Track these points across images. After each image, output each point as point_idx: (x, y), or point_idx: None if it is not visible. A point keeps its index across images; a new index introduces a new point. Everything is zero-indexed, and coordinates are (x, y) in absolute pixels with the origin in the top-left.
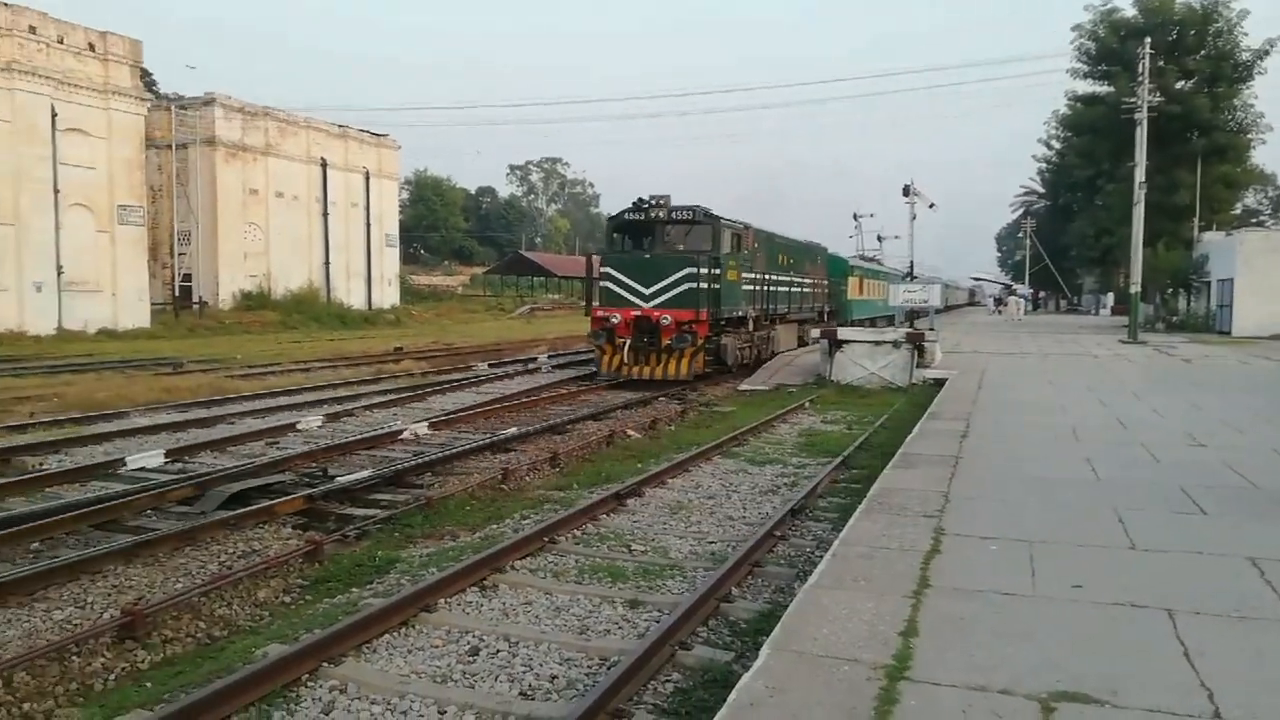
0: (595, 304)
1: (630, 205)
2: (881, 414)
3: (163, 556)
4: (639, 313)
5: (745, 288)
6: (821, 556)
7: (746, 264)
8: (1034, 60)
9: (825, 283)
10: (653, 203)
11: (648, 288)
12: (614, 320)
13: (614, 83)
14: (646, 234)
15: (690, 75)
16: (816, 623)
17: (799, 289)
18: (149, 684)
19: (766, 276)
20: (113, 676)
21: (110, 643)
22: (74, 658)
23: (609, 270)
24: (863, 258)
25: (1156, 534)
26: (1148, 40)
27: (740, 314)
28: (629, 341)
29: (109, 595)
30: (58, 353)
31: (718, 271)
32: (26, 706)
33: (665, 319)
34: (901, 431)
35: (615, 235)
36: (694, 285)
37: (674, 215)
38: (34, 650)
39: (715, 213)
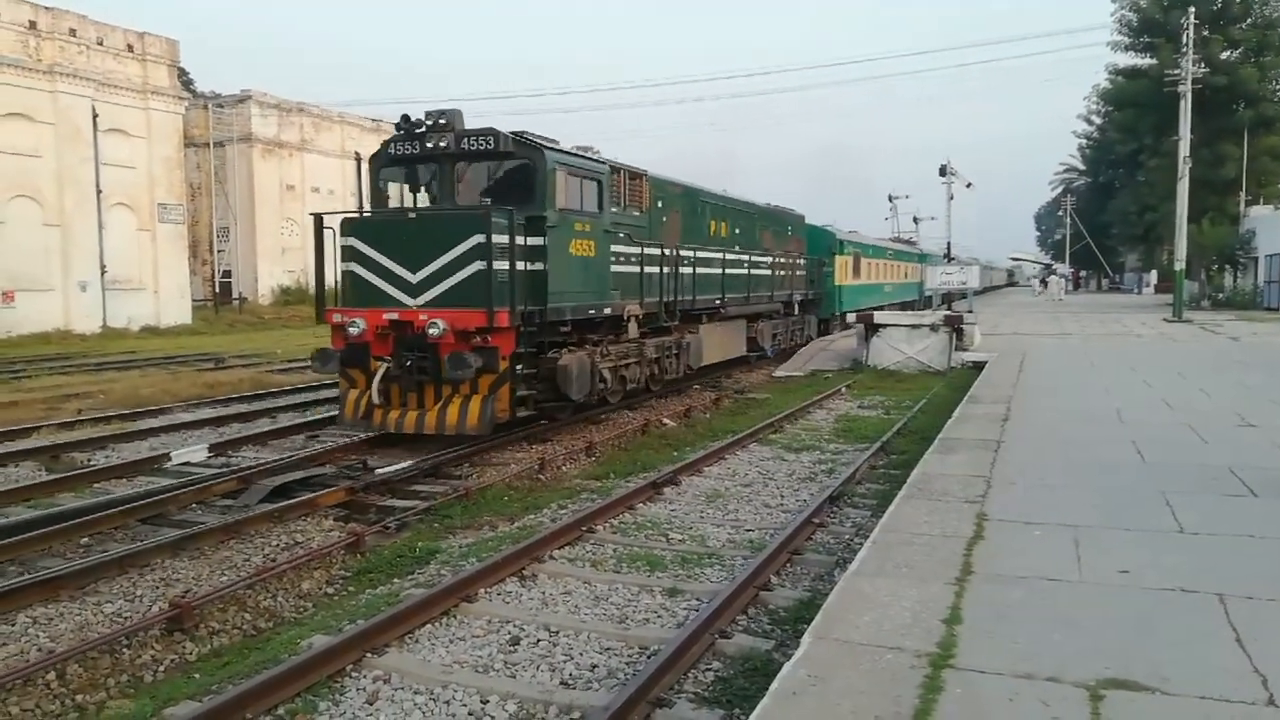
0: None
1: (396, 129)
2: (920, 398)
3: (208, 550)
4: (396, 316)
5: (621, 269)
6: (862, 544)
7: (628, 230)
8: (1072, 35)
9: (800, 263)
10: (431, 123)
11: (414, 272)
12: (355, 329)
13: (649, 66)
14: (429, 180)
15: (716, 59)
16: (858, 610)
17: (749, 271)
18: (197, 675)
19: (682, 253)
20: (162, 668)
21: (159, 635)
22: (124, 650)
23: (353, 244)
24: (897, 239)
25: (1206, 517)
26: (1191, 9)
27: (606, 312)
28: (385, 368)
29: (157, 588)
30: (103, 350)
31: (540, 241)
32: (80, 698)
33: (435, 326)
34: (941, 416)
35: (383, 184)
36: (487, 265)
37: (467, 145)
38: (86, 643)
39: (546, 140)
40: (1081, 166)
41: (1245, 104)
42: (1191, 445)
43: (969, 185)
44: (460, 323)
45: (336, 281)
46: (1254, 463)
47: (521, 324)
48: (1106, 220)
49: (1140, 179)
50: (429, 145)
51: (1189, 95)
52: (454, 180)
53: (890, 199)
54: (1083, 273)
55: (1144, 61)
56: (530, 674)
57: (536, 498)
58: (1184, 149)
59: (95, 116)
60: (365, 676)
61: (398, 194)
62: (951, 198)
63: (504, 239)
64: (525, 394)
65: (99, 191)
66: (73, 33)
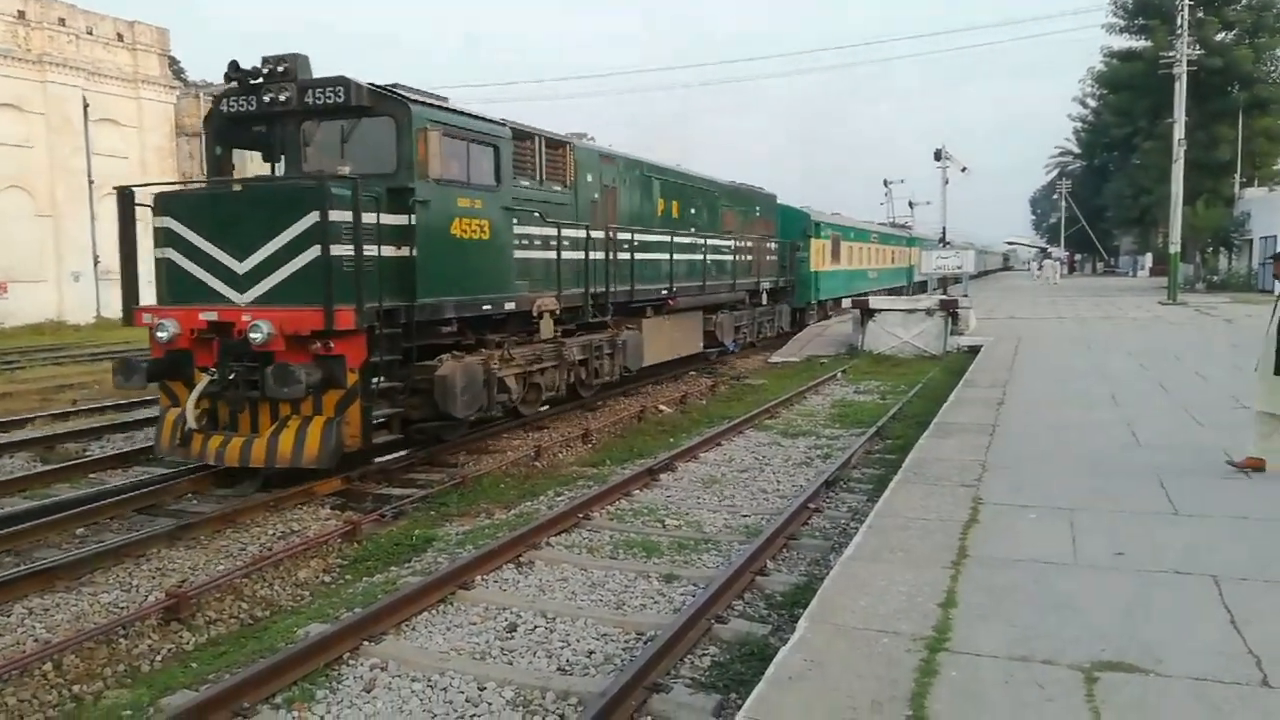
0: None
1: (225, 80)
2: (916, 383)
3: (205, 539)
4: (215, 316)
5: (529, 254)
6: (857, 528)
7: (541, 208)
8: (1067, 17)
9: (770, 247)
10: (268, 72)
11: (241, 260)
12: (164, 333)
13: (631, 51)
14: (271, 145)
15: (702, 43)
16: (854, 595)
17: (707, 257)
18: (194, 664)
19: (620, 236)
20: (159, 657)
21: (156, 625)
22: (121, 640)
23: (168, 225)
24: (893, 225)
25: (1200, 499)
26: None
27: (508, 308)
28: (207, 381)
29: (153, 578)
30: (97, 341)
31: (405, 220)
32: (77, 689)
33: (257, 330)
34: (937, 400)
35: (219, 151)
36: (324, 251)
37: (313, 98)
38: (83, 633)
39: (418, 94)
40: (1077, 150)
41: (1240, 86)
42: (1186, 427)
43: (964, 170)
44: (292, 325)
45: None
46: (1249, 445)
47: (380, 325)
48: (1102, 203)
49: (1135, 162)
50: (267, 100)
51: (1184, 77)
52: (300, 143)
53: (885, 184)
54: (1078, 256)
55: (1139, 44)
56: (527, 660)
57: (533, 485)
58: (1179, 131)
59: (86, 106)
60: (363, 664)
61: (251, 165)
62: (947, 182)
63: (347, 216)
64: (389, 413)
65: (91, 181)
66: (62, 22)
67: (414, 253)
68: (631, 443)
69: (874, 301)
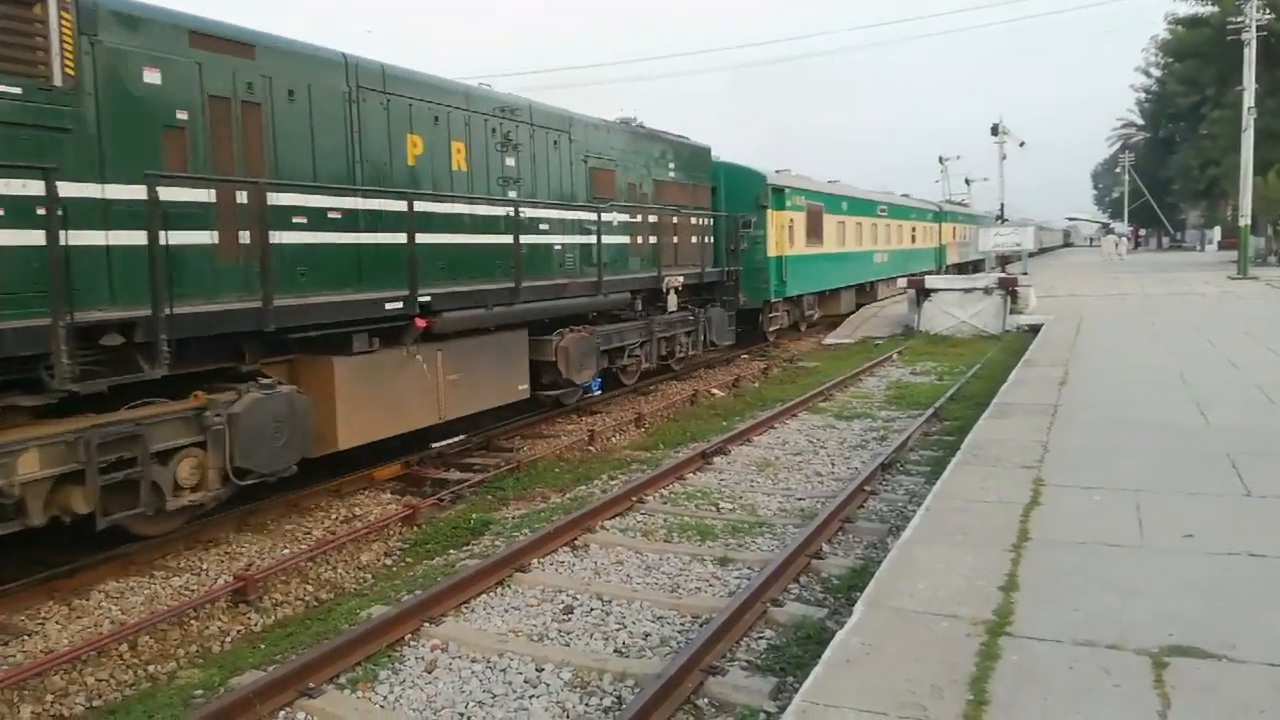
0: None
1: None
2: (974, 363)
3: (270, 524)
4: None
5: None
6: (915, 511)
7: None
8: None
9: (698, 222)
10: None
11: None
12: None
13: (683, 37)
14: None
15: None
16: (912, 578)
17: (543, 238)
18: (263, 645)
19: (280, 201)
20: (229, 639)
21: (225, 607)
22: (193, 621)
23: None
24: (949, 202)
25: (1275, 480)
26: None
27: None
28: None
29: (222, 562)
30: None
31: None
32: (152, 668)
33: None
34: (996, 381)
35: None
36: None
37: None
38: (156, 615)
39: None
40: (1140, 121)
41: None
42: (1259, 406)
43: (1022, 144)
44: None
45: None
46: None
47: None
48: (1167, 176)
49: (1202, 132)
50: None
51: (1253, 43)
52: None
53: (940, 160)
54: (1142, 231)
55: (1205, 9)
56: (584, 642)
57: (587, 469)
58: (1248, 99)
59: None
60: (424, 645)
61: None
62: (1004, 158)
63: None
64: None
65: None
66: None
67: None
68: (684, 426)
69: (930, 281)
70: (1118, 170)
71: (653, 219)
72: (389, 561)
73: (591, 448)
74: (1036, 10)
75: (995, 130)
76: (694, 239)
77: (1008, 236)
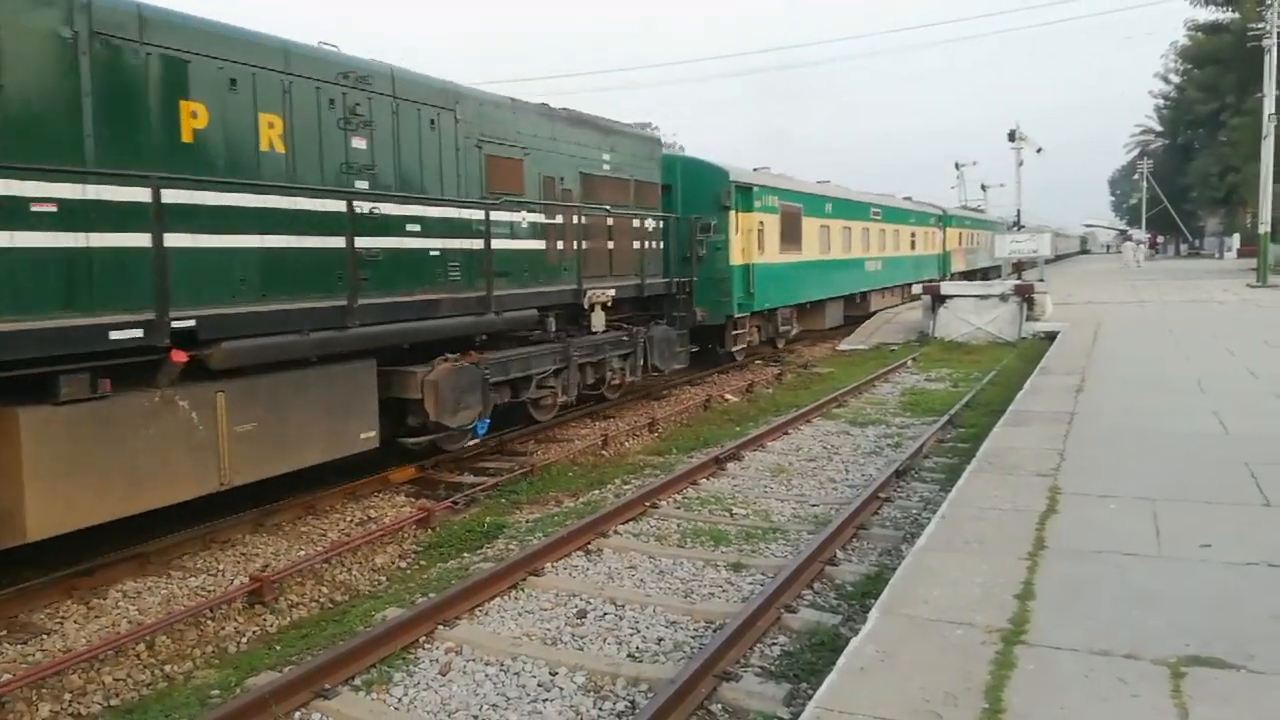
0: None
1: None
2: (989, 370)
3: (286, 526)
4: None
5: None
6: (929, 518)
7: None
8: None
9: (643, 226)
10: None
11: None
12: None
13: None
14: None
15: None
16: (927, 586)
17: (406, 241)
18: (278, 646)
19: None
20: (245, 639)
21: (241, 608)
22: (209, 622)
23: None
24: (964, 208)
25: None
26: None
27: None
28: None
29: (238, 563)
30: None
31: None
32: (169, 669)
33: None
34: (1011, 388)
35: None
36: None
37: None
38: (173, 615)
39: None
40: (1159, 128)
41: None
42: (1278, 415)
43: (1039, 150)
44: None
45: None
46: None
47: None
48: (1185, 183)
49: (1222, 139)
50: None
51: (1275, 49)
52: None
53: (957, 166)
54: (1160, 238)
55: (1225, 16)
56: (598, 646)
57: (600, 473)
58: (1269, 106)
59: None
60: (438, 648)
61: None
62: (1021, 164)
63: None
64: None
65: None
66: None
67: None
68: (698, 431)
69: (945, 287)
70: (1135, 177)
71: (580, 221)
72: (403, 564)
73: (605, 452)
74: (1057, 16)
75: (1012, 136)
76: (636, 245)
77: (1024, 243)
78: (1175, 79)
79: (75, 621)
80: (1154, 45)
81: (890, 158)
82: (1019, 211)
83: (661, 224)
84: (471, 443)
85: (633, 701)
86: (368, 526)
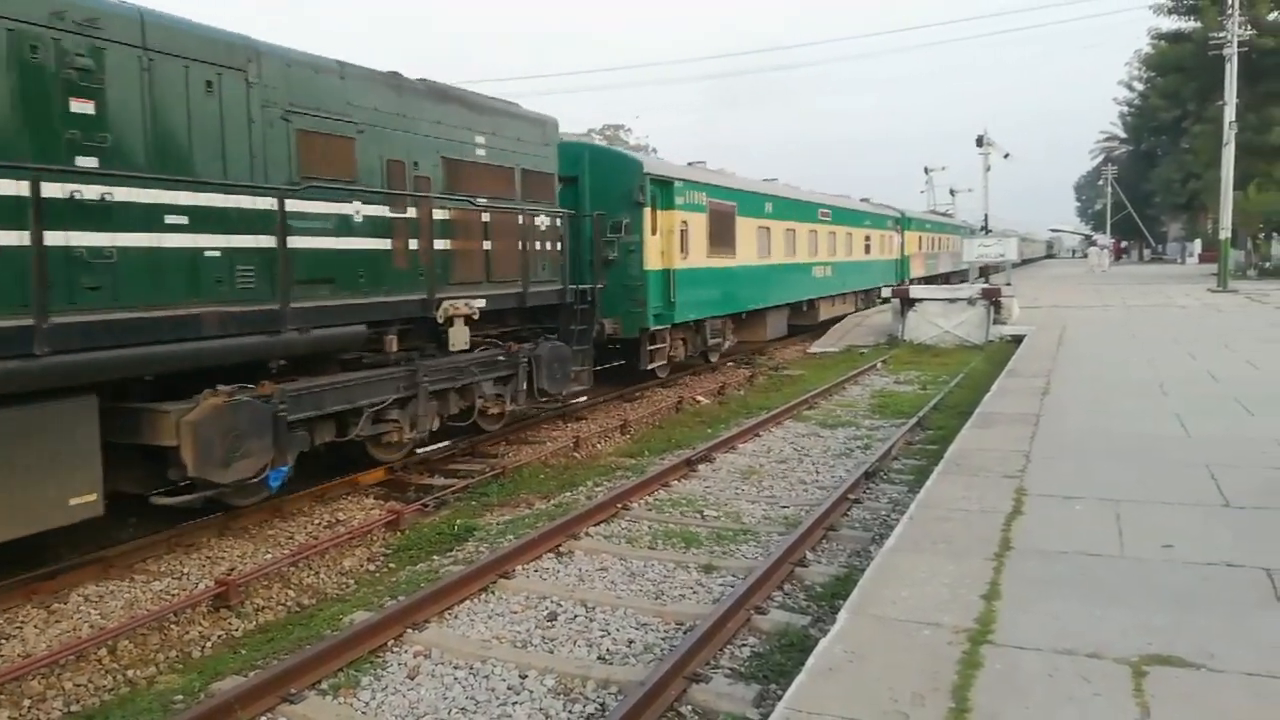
0: None
1: None
2: (957, 373)
3: (253, 529)
4: None
5: None
6: (898, 520)
7: None
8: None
9: (532, 224)
10: None
11: None
12: None
13: (667, 46)
14: None
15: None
16: (895, 586)
17: (140, 240)
18: (244, 650)
19: None
20: (209, 644)
21: (206, 612)
22: (173, 626)
23: None
24: (933, 212)
25: (1253, 491)
26: None
27: None
28: None
29: (203, 566)
30: None
31: None
32: (131, 673)
33: None
34: (979, 390)
35: None
36: None
37: None
38: (136, 619)
39: None
40: (1123, 134)
41: None
42: (1238, 417)
43: (1006, 156)
44: None
45: None
46: None
47: None
48: (1149, 189)
49: (1184, 146)
50: None
51: (1235, 59)
52: None
53: (926, 171)
54: (1124, 243)
55: (1187, 25)
56: (568, 649)
57: (572, 475)
58: (1229, 114)
59: None
60: (406, 652)
61: None
62: (989, 169)
63: None
64: None
65: None
66: None
67: None
68: (669, 433)
69: (914, 291)
70: (1100, 183)
71: (441, 215)
72: (372, 567)
73: (576, 454)
74: (1022, 24)
75: (980, 142)
76: (519, 245)
77: (991, 248)
78: (1139, 86)
79: (35, 626)
80: (1120, 54)
81: (859, 159)
82: (986, 216)
83: (559, 222)
84: (264, 496)
85: (603, 704)
86: (336, 529)
